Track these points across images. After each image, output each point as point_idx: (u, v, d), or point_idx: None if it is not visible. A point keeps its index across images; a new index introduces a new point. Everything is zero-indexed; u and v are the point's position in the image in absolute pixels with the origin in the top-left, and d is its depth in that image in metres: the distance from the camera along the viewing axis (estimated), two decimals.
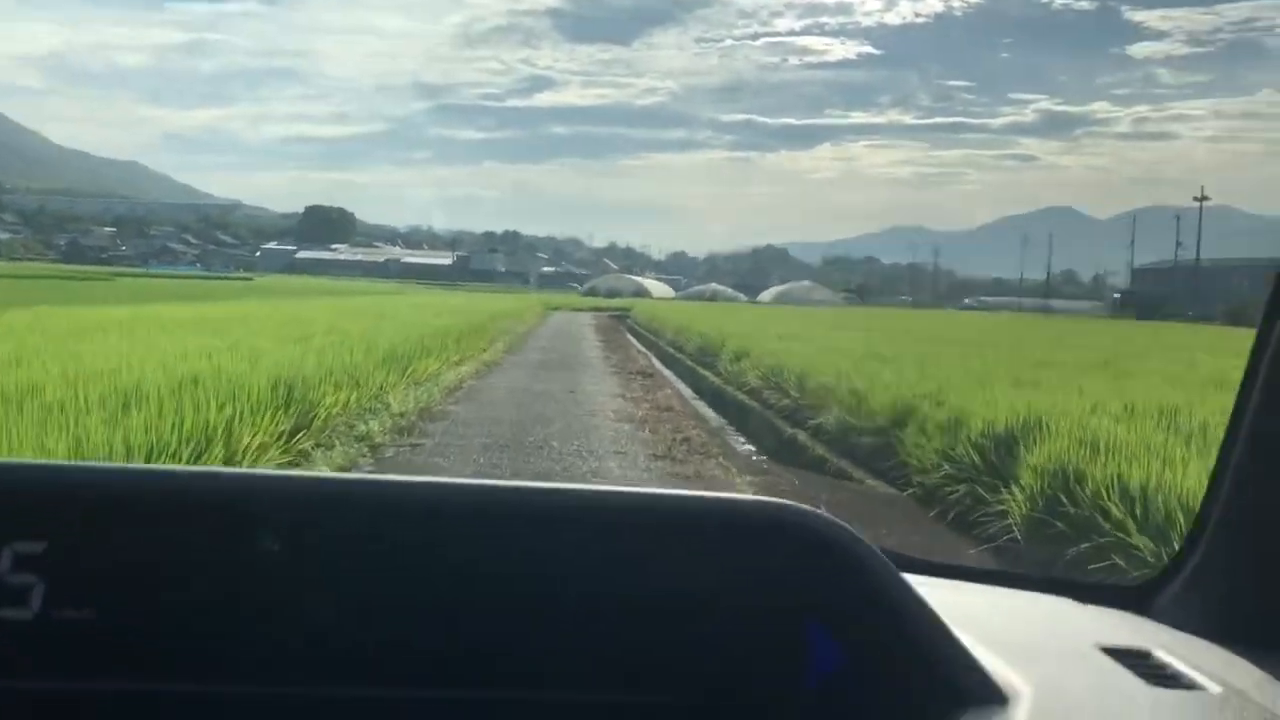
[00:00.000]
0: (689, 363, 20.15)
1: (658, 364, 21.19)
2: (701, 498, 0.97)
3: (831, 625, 0.94)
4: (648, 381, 16.43)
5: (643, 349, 24.92)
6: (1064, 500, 5.87)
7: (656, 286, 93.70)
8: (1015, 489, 6.44)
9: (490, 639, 0.91)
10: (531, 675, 0.91)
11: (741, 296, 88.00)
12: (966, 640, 0.95)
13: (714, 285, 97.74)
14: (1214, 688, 0.97)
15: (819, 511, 0.94)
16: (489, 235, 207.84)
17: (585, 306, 56.49)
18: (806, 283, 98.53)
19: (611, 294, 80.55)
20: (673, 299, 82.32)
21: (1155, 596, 1.28)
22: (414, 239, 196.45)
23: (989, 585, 1.34)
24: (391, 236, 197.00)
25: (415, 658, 0.90)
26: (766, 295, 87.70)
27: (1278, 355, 1.15)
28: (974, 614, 1.08)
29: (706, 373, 17.51)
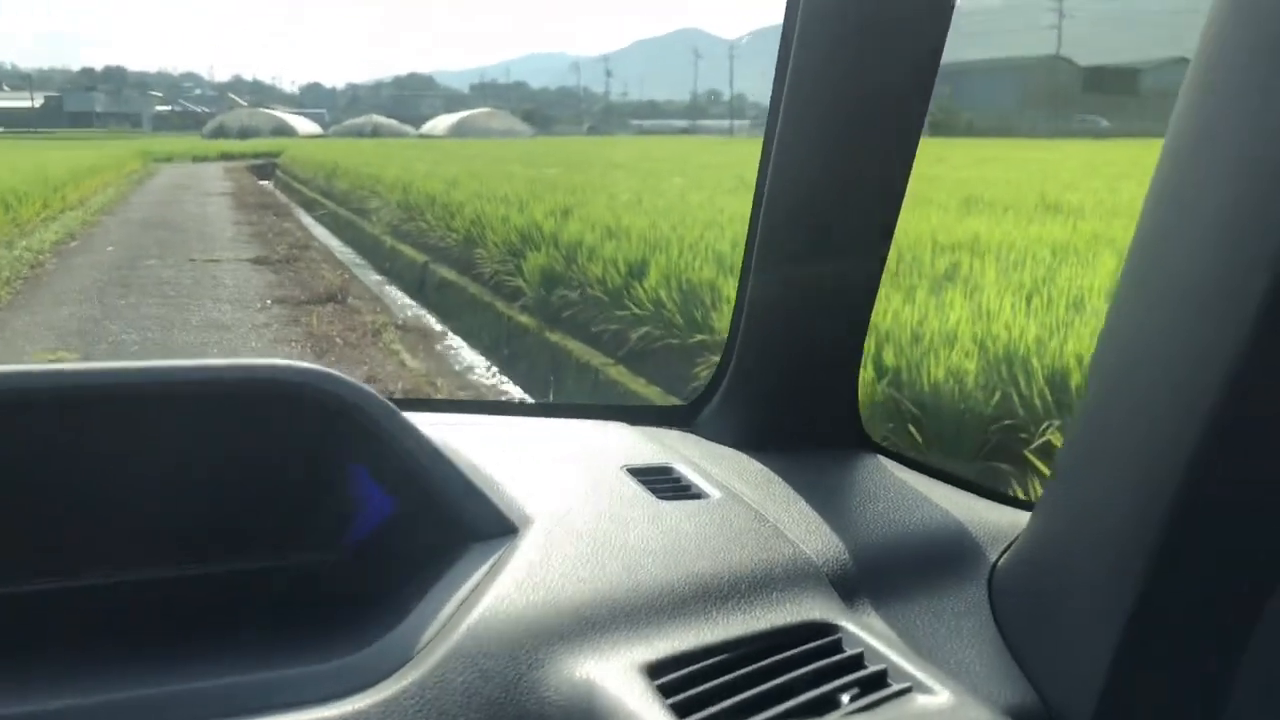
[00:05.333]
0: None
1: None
2: (195, 366, 0.90)
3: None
4: None
5: (369, 269, 10.89)
6: None
7: (302, 123, 78.03)
8: None
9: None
10: (99, 559, 0.88)
11: (409, 129, 74.94)
12: (492, 473, 1.00)
13: (375, 117, 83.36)
14: (716, 494, 1.06)
15: (315, 367, 0.92)
16: (87, 72, 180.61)
17: (213, 154, 41.81)
18: (486, 110, 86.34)
19: (245, 134, 65.48)
20: (325, 136, 68.15)
21: (700, 413, 1.35)
22: None
23: (541, 417, 1.35)
24: None
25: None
26: (437, 126, 75.25)
27: (775, 179, 1.17)
28: (505, 447, 1.12)
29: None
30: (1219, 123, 0.69)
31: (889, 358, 4.52)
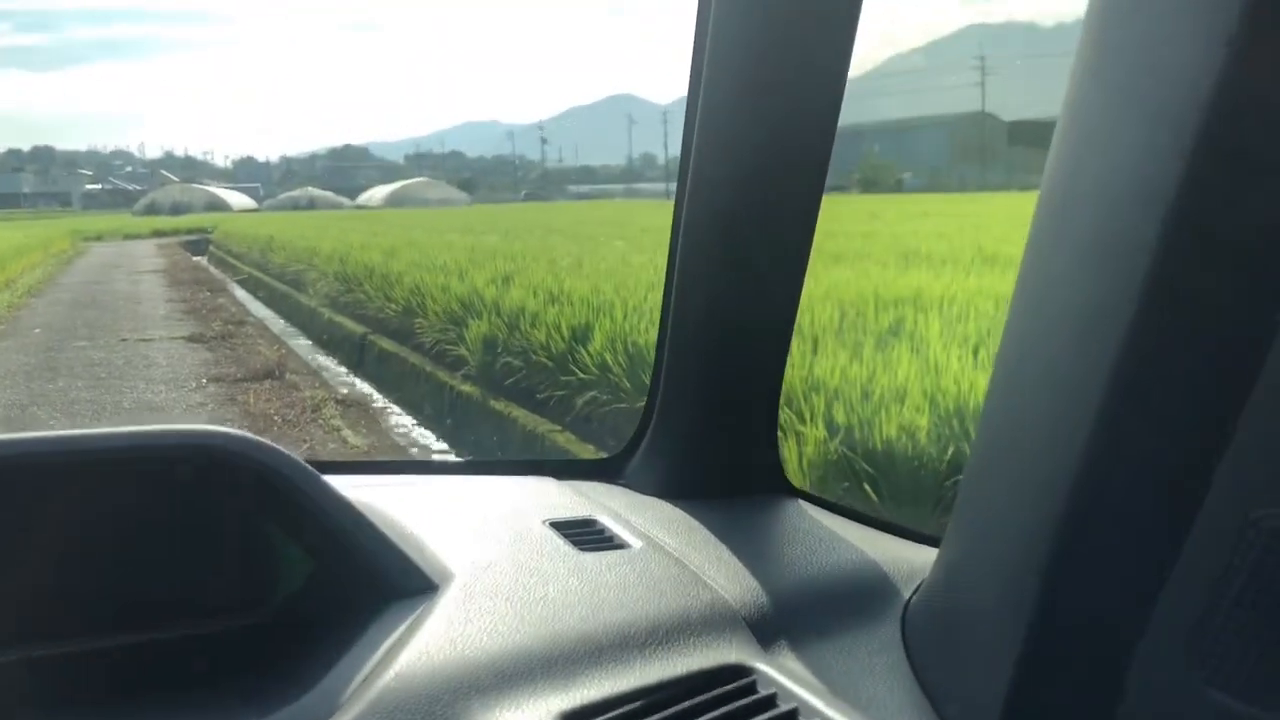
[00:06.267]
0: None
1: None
2: (112, 434, 0.88)
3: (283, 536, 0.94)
4: None
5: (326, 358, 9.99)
6: None
7: (235, 197, 77.41)
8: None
9: None
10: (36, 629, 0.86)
11: (346, 201, 74.77)
12: (414, 532, 1.00)
13: (310, 190, 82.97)
14: (637, 544, 1.07)
15: (234, 432, 0.91)
16: (14, 153, 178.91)
17: (145, 231, 41.13)
18: (422, 179, 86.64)
19: (177, 210, 64.78)
20: (259, 210, 67.61)
21: (626, 464, 1.37)
22: None
23: (467, 475, 1.36)
24: None
25: None
26: (374, 197, 75.18)
27: (687, 233, 1.21)
28: (429, 505, 1.13)
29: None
30: (1084, 163, 0.73)
31: (840, 416, 4.47)
